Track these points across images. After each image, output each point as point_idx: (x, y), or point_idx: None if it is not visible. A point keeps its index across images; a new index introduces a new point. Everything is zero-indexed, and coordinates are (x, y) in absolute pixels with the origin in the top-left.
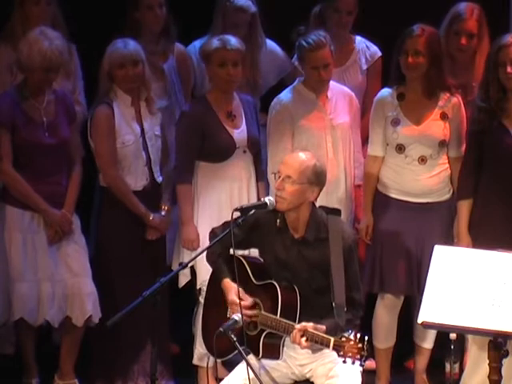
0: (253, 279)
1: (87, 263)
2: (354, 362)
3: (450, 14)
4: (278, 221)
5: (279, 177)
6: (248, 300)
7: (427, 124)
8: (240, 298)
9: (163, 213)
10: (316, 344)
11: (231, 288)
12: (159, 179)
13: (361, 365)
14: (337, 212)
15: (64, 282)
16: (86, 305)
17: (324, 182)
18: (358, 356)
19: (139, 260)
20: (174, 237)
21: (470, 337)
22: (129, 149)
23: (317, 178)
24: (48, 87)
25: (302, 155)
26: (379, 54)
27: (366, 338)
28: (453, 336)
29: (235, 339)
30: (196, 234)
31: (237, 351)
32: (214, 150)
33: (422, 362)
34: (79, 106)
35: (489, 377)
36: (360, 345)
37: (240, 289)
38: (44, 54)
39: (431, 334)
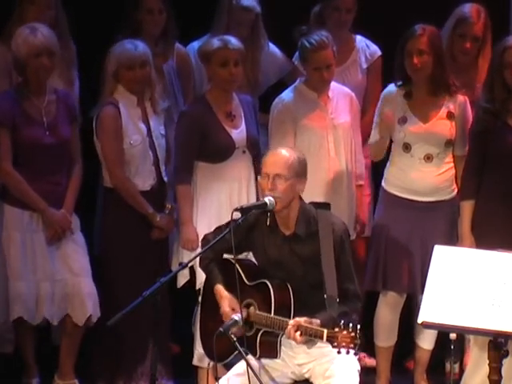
0: (245, 280)
1: (87, 263)
2: (348, 352)
3: (456, 15)
4: (268, 220)
5: (268, 178)
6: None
7: (434, 122)
8: (234, 309)
9: (166, 211)
10: (310, 337)
11: (224, 298)
12: (166, 178)
13: (355, 354)
14: (326, 206)
15: (64, 282)
16: (87, 305)
17: (307, 173)
18: (352, 345)
19: (143, 261)
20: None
21: (471, 338)
22: (136, 149)
23: (302, 169)
24: (46, 77)
25: (283, 151)
26: (379, 53)
27: (359, 326)
28: (453, 336)
29: (235, 339)
30: (195, 235)
31: (235, 354)
32: (213, 150)
33: (422, 363)
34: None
35: (489, 377)
36: (353, 334)
37: (235, 300)
38: (27, 41)
39: (432, 335)
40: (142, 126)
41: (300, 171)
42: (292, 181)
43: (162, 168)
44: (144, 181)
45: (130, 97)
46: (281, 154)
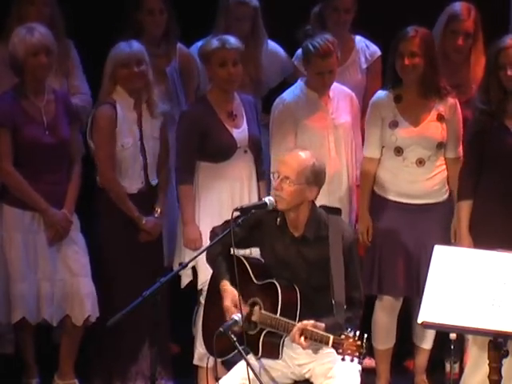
0: (253, 279)
1: (87, 263)
2: (352, 360)
3: (446, 13)
4: (278, 220)
5: (278, 177)
6: (244, 309)
7: (425, 125)
8: (236, 306)
9: (156, 215)
10: (315, 342)
11: (229, 292)
12: (154, 182)
13: (359, 362)
14: (337, 211)
15: (64, 282)
16: (86, 305)
17: (323, 182)
18: (357, 353)
19: (137, 261)
20: (173, 237)
21: (470, 337)
22: (127, 152)
23: (315, 177)
24: (45, 76)
25: (301, 154)
26: (379, 53)
27: (366, 335)
28: (453, 336)
29: (235, 339)
30: (198, 234)
31: (236, 351)
32: (215, 150)
33: (421, 363)
34: (81, 95)
35: (489, 377)
36: (359, 342)
37: (238, 297)
38: (24, 40)
39: (430, 335)
40: (136, 130)
41: (311, 179)
42: (299, 187)
43: (152, 172)
44: (131, 184)
45: (127, 99)
46: (296, 158)
